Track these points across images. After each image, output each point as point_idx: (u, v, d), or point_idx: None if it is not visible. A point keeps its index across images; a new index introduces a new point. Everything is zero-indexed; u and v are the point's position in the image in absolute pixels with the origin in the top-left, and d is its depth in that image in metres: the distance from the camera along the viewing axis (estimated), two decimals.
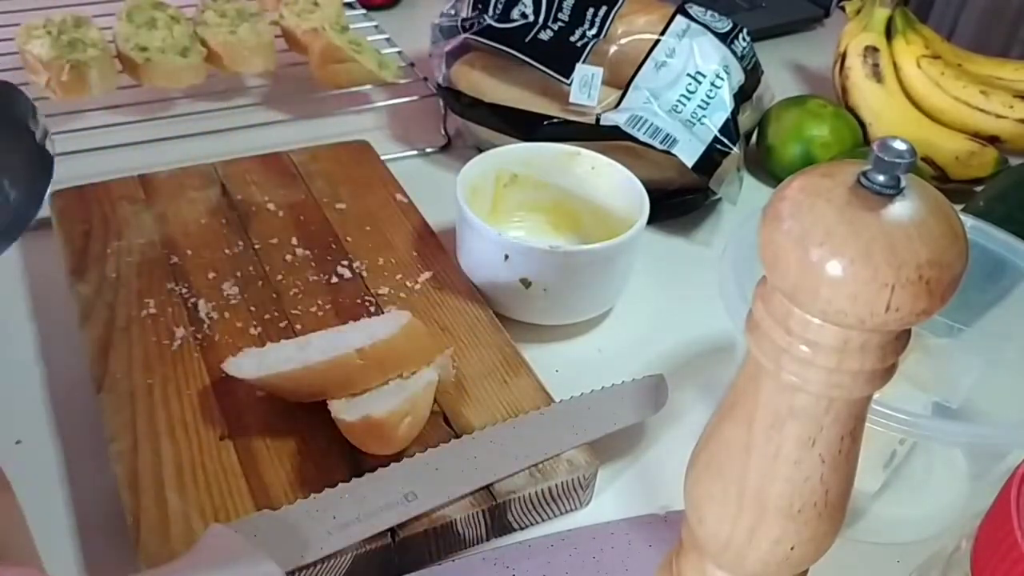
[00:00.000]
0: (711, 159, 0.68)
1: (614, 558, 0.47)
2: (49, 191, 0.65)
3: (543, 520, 0.50)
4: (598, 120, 0.69)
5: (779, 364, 0.30)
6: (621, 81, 0.71)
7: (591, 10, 0.72)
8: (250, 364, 0.50)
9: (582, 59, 0.70)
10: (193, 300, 0.58)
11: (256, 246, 0.63)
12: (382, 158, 0.74)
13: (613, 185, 0.65)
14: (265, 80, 0.86)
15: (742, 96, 0.72)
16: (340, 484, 0.46)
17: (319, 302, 0.58)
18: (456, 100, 0.75)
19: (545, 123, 0.71)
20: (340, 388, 0.49)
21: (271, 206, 0.66)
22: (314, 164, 0.71)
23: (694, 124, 0.69)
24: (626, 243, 0.58)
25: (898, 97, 0.82)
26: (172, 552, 0.43)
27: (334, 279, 0.61)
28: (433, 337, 0.54)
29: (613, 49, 0.72)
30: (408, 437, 0.49)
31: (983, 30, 1.36)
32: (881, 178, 0.27)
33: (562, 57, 0.70)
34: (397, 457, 0.48)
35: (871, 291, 0.26)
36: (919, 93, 0.82)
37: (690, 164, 0.67)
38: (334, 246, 0.63)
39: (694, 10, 0.73)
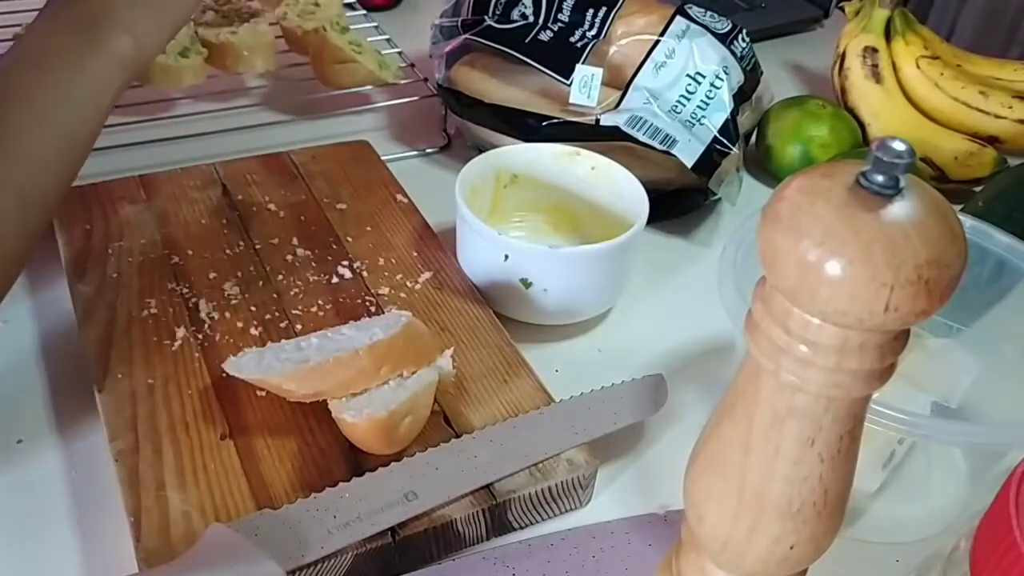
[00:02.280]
0: (711, 159, 0.68)
1: (614, 558, 0.47)
2: None
3: (543, 519, 0.50)
4: (598, 121, 0.69)
5: (778, 364, 0.30)
6: (621, 82, 0.71)
7: (591, 11, 0.73)
8: (250, 364, 0.50)
9: (582, 60, 0.70)
10: (194, 300, 0.58)
11: (257, 246, 0.63)
12: (382, 158, 0.74)
13: (613, 185, 0.65)
14: (265, 80, 0.86)
15: (741, 96, 0.72)
16: (340, 483, 0.46)
17: (319, 302, 0.58)
18: (456, 100, 0.75)
19: (545, 123, 0.71)
20: (340, 388, 0.49)
21: (272, 206, 0.67)
22: (314, 164, 0.72)
23: (694, 124, 0.69)
24: (626, 243, 0.58)
25: (897, 98, 0.82)
26: (172, 552, 0.43)
27: (334, 279, 0.61)
28: (433, 337, 0.54)
29: (613, 50, 0.72)
30: (408, 437, 0.49)
31: (982, 31, 1.36)
32: (880, 178, 0.27)
33: (562, 58, 0.70)
34: (397, 457, 0.48)
35: (870, 291, 0.27)
36: (918, 94, 0.82)
37: (690, 164, 0.67)
38: (334, 246, 0.64)
39: (693, 11, 0.73)
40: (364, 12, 0.96)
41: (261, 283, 0.60)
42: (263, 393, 0.51)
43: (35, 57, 0.48)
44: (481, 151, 0.66)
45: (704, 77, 0.70)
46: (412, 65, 0.86)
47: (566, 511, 0.50)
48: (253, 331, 0.56)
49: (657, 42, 0.71)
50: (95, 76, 0.48)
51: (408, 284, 0.61)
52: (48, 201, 0.48)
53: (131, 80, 0.51)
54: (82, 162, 0.50)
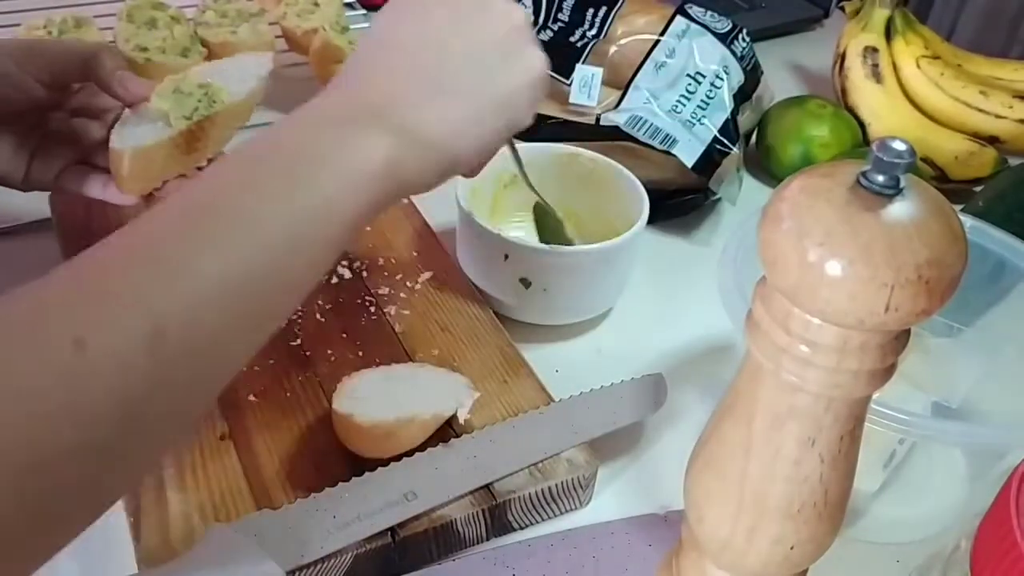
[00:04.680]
0: (711, 159, 0.68)
1: (614, 558, 0.47)
2: (49, 192, 0.65)
3: (543, 520, 0.50)
4: (598, 120, 0.69)
5: (779, 364, 0.30)
6: (621, 81, 0.71)
7: (591, 10, 0.72)
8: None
9: (582, 59, 0.70)
10: None
11: None
12: None
13: (613, 185, 0.65)
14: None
15: (742, 96, 0.72)
16: (340, 484, 0.46)
17: (319, 302, 0.58)
18: None
19: (545, 123, 0.71)
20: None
21: None
22: None
23: (694, 124, 0.69)
24: (626, 243, 0.58)
25: (898, 97, 0.82)
26: (172, 552, 0.43)
27: (334, 279, 0.61)
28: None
29: (613, 49, 0.72)
30: (405, 446, 0.48)
31: (982, 31, 1.36)
32: (880, 178, 0.27)
33: (562, 57, 0.70)
34: (397, 457, 0.48)
35: (870, 291, 0.27)
36: (918, 93, 0.82)
37: (690, 164, 0.67)
38: None
39: (694, 10, 0.73)
40: (364, 12, 0.96)
41: None
42: (254, 399, 0.51)
43: (271, 145, 0.38)
44: None
45: (704, 77, 0.70)
46: None
47: (566, 511, 0.50)
48: None
49: (657, 42, 0.71)
50: (330, 181, 0.36)
51: (408, 284, 0.61)
52: (212, 338, 0.31)
53: (388, 198, 0.38)
54: (291, 298, 0.36)
